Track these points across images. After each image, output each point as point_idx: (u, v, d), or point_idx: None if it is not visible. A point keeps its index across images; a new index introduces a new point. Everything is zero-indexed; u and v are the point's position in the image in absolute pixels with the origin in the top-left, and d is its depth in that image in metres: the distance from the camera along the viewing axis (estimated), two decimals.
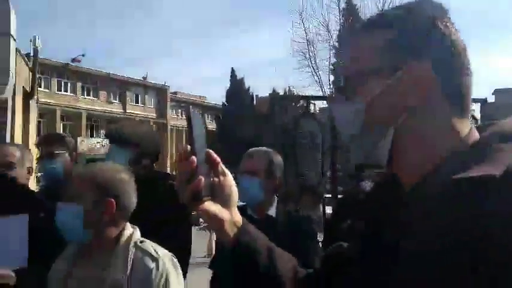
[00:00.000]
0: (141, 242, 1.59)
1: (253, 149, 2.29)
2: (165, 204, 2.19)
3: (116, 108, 37.52)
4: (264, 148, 2.30)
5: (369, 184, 2.03)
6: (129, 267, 1.50)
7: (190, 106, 0.89)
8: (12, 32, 7.57)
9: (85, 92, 35.71)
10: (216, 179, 0.89)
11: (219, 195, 0.89)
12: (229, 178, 0.92)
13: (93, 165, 1.66)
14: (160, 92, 40.36)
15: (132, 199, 1.63)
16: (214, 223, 0.89)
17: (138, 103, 39.33)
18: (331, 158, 4.95)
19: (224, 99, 38.21)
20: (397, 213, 0.78)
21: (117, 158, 2.21)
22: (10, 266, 1.74)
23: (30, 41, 11.57)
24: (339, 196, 5.13)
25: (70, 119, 33.23)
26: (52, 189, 2.67)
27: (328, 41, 16.73)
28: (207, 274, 2.24)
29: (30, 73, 11.03)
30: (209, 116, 44.43)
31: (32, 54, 11.39)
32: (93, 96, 36.17)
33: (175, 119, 41.06)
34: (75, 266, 1.61)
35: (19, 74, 9.11)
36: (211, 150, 0.89)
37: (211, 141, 37.07)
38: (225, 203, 0.90)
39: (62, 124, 31.39)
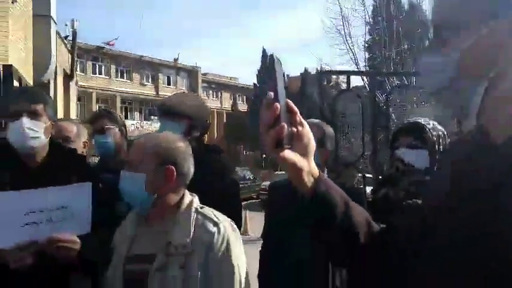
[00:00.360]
0: (201, 208, 1.63)
1: (307, 120, 2.29)
2: (216, 176, 2.23)
3: (148, 90, 38.01)
4: (317, 120, 2.30)
5: (403, 151, 1.98)
6: (191, 232, 1.55)
7: (274, 54, 0.88)
8: (53, 14, 7.75)
9: (119, 75, 36.32)
10: (294, 129, 0.89)
11: (297, 145, 0.90)
12: (307, 129, 0.92)
13: (152, 134, 1.70)
14: (191, 73, 40.61)
15: (190, 167, 1.66)
16: (293, 172, 0.90)
17: (170, 85, 39.67)
18: (372, 137, 4.86)
19: (255, 80, 38.12)
20: (487, 165, 0.76)
21: (170, 131, 2.25)
22: (75, 232, 1.81)
23: (66, 25, 11.80)
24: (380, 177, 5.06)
25: (105, 102, 33.92)
26: (105, 162, 2.76)
27: (363, 17, 16.32)
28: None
29: (69, 55, 11.27)
30: (240, 96, 44.48)
31: (70, 37, 11.62)
32: (126, 79, 36.74)
33: (207, 100, 41.33)
34: (138, 231, 1.66)
35: (59, 57, 9.34)
36: (289, 100, 0.89)
37: (243, 122, 37.30)
38: (303, 153, 0.90)
39: (97, 106, 32.05)
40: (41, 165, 1.95)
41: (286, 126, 0.85)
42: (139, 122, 34.36)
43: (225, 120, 41.59)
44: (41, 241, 1.74)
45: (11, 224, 1.70)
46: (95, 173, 2.10)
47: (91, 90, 32.32)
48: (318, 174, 0.94)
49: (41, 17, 7.44)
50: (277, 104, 0.84)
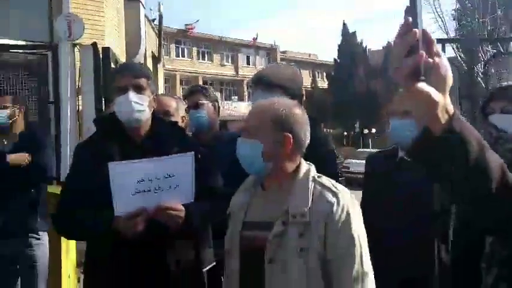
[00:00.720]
0: (319, 177, 1.57)
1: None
2: (314, 146, 2.19)
3: (228, 70, 38.72)
4: None
5: (496, 117, 1.82)
6: (309, 201, 1.49)
7: None
8: None
9: (200, 56, 37.35)
10: (430, 60, 0.81)
11: (433, 77, 0.82)
12: (445, 60, 0.83)
13: (269, 101, 1.66)
14: (270, 52, 40.61)
15: (306, 134, 1.60)
16: (427, 106, 0.83)
17: (249, 64, 40.07)
18: (470, 107, 4.54)
19: (336, 55, 37.27)
20: None
21: None
22: (180, 201, 1.86)
23: (151, 9, 12.26)
24: None
25: (188, 83, 35.04)
26: (198, 137, 2.83)
27: None
28: None
29: (156, 39, 11.73)
30: (320, 73, 43.78)
31: (156, 20, 12.06)
32: (207, 60, 37.67)
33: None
34: (255, 198, 1.64)
35: (148, 40, 9.76)
36: (425, 29, 0.81)
37: (323, 99, 36.71)
38: (439, 86, 0.82)
39: (181, 88, 33.25)
40: (144, 137, 2.02)
41: (424, 54, 0.77)
42: (220, 101, 35.23)
43: (304, 98, 41.24)
44: (150, 209, 1.81)
45: (124, 192, 1.79)
46: (195, 145, 2.15)
47: (175, 72, 33.56)
48: (453, 111, 0.85)
49: (131, 2, 7.82)
50: (416, 30, 0.76)
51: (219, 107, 3.01)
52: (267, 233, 1.49)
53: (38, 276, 3.29)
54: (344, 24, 37.13)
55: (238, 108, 33.88)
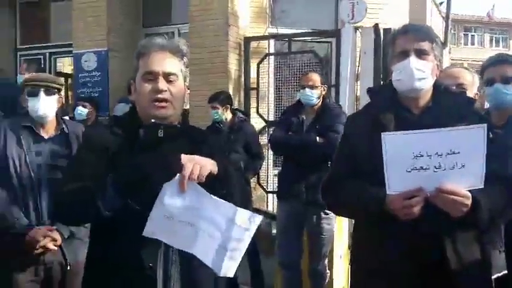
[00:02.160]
0: None
1: None
2: None
3: None
4: None
5: None
6: None
7: None
8: None
9: (493, 43, 34.18)
10: None
11: None
12: None
13: None
14: None
15: None
16: None
17: None
18: None
19: None
20: None
21: None
22: (466, 184, 1.54)
23: None
24: None
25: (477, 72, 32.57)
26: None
27: None
28: None
29: (443, 23, 11.00)
30: None
31: (443, 4, 11.33)
32: (503, 47, 33.98)
33: None
34: None
35: (433, 23, 9.19)
36: None
37: None
38: None
39: None
40: (424, 109, 1.78)
41: None
42: None
43: None
44: (428, 190, 1.55)
45: (398, 167, 1.56)
46: (489, 122, 1.74)
47: (462, 61, 31.47)
48: None
49: None
50: None
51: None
52: None
53: (324, 246, 3.44)
54: None
55: None
